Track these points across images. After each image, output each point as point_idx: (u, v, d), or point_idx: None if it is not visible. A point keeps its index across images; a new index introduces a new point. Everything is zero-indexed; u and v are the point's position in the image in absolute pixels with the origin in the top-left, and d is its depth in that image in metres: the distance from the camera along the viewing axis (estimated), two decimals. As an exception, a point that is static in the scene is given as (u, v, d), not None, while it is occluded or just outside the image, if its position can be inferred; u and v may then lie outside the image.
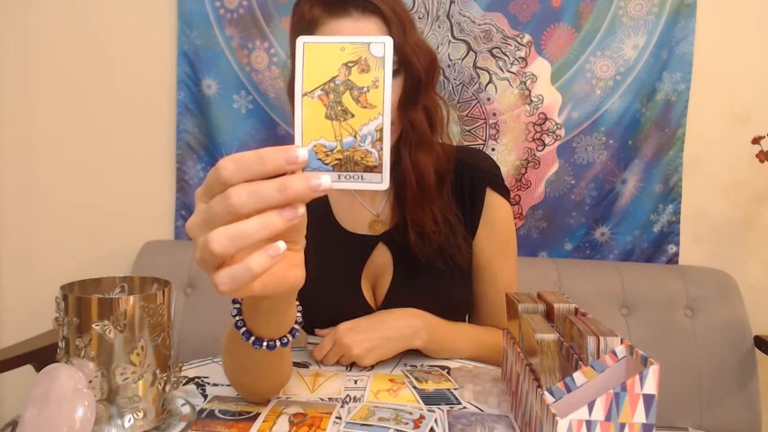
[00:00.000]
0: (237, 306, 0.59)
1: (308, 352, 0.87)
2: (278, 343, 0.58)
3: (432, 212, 0.86)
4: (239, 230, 0.38)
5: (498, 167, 0.95)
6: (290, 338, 0.59)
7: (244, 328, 0.58)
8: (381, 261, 0.90)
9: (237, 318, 0.58)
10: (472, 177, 0.91)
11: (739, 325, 1.43)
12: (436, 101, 0.86)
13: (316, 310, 0.88)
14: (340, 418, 0.65)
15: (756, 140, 1.40)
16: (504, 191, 0.93)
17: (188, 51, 1.61)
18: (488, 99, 1.57)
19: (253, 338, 0.57)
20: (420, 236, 0.86)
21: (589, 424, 0.46)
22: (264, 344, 0.57)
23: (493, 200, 0.92)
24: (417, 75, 0.79)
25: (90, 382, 0.55)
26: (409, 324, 0.84)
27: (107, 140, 1.68)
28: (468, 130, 1.59)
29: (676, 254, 1.59)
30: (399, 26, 0.77)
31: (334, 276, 0.89)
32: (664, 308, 1.45)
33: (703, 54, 1.53)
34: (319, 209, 0.92)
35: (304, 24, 0.79)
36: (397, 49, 0.77)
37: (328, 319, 0.86)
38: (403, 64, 0.79)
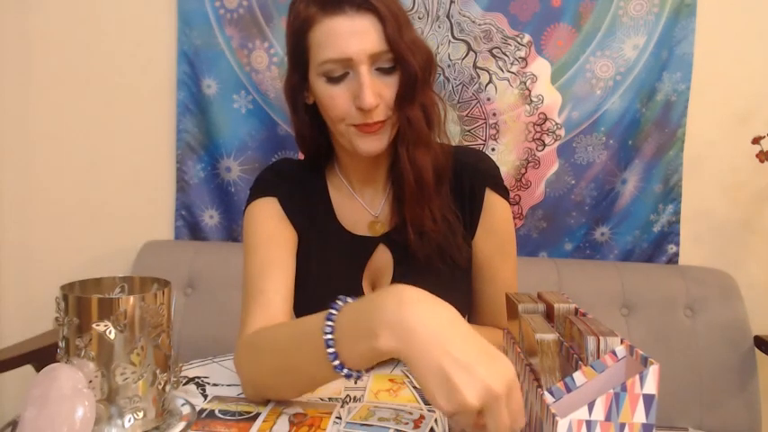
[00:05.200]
0: (331, 324, 0.58)
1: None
2: (356, 375, 0.57)
3: (430, 211, 0.86)
4: None
5: (497, 168, 0.95)
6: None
7: (333, 350, 0.57)
8: (382, 262, 0.90)
9: (329, 337, 0.57)
10: (471, 177, 0.91)
11: (739, 325, 1.43)
12: (433, 99, 0.85)
13: (317, 311, 0.89)
14: (340, 418, 0.65)
15: (756, 140, 1.40)
16: (503, 191, 0.93)
17: (188, 51, 1.61)
18: (488, 99, 1.57)
19: (338, 362, 0.56)
20: (419, 235, 0.86)
21: (589, 424, 0.46)
22: (345, 371, 0.57)
23: (492, 200, 0.92)
24: (413, 72, 0.79)
25: (90, 382, 0.55)
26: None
27: (107, 140, 1.68)
28: (468, 130, 1.59)
29: (676, 254, 1.59)
30: (395, 23, 0.77)
31: (335, 276, 0.89)
32: (664, 308, 1.46)
33: (703, 54, 1.53)
34: (322, 209, 0.92)
35: (299, 23, 0.79)
36: (393, 47, 0.77)
37: None
38: (399, 62, 0.78)
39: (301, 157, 0.98)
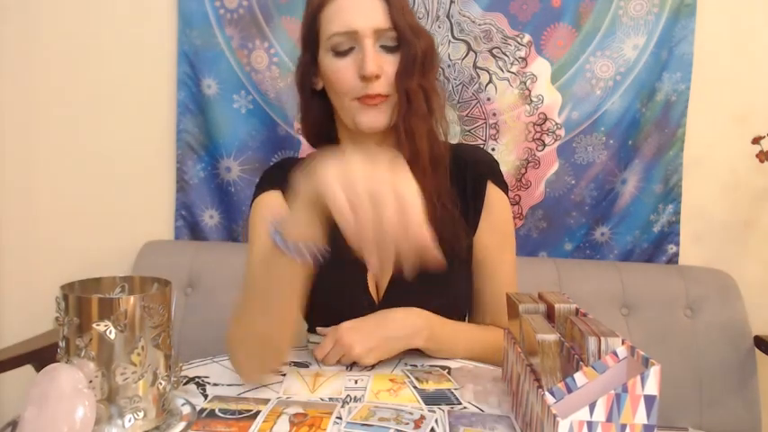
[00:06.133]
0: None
1: (308, 351, 0.87)
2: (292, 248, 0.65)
3: (426, 188, 0.86)
4: None
5: (497, 162, 0.98)
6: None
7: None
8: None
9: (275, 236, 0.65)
10: (473, 172, 0.93)
11: (739, 325, 1.43)
12: (434, 85, 0.89)
13: (322, 303, 0.89)
14: (340, 418, 0.65)
15: (756, 140, 1.40)
16: (503, 185, 0.95)
17: (188, 51, 1.61)
18: (488, 99, 1.57)
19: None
20: None
21: (590, 425, 0.46)
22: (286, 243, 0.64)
23: (494, 194, 0.93)
24: (414, 51, 0.84)
25: (90, 382, 0.55)
26: (411, 324, 0.84)
27: (107, 140, 1.67)
28: (468, 130, 1.59)
29: (676, 254, 1.59)
30: (399, 6, 0.84)
31: (337, 271, 0.89)
32: (664, 308, 1.45)
33: (703, 54, 1.53)
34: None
35: (314, 6, 0.86)
36: (397, 26, 0.83)
37: (333, 312, 0.86)
38: (401, 41, 0.84)
39: (302, 155, 1.00)
